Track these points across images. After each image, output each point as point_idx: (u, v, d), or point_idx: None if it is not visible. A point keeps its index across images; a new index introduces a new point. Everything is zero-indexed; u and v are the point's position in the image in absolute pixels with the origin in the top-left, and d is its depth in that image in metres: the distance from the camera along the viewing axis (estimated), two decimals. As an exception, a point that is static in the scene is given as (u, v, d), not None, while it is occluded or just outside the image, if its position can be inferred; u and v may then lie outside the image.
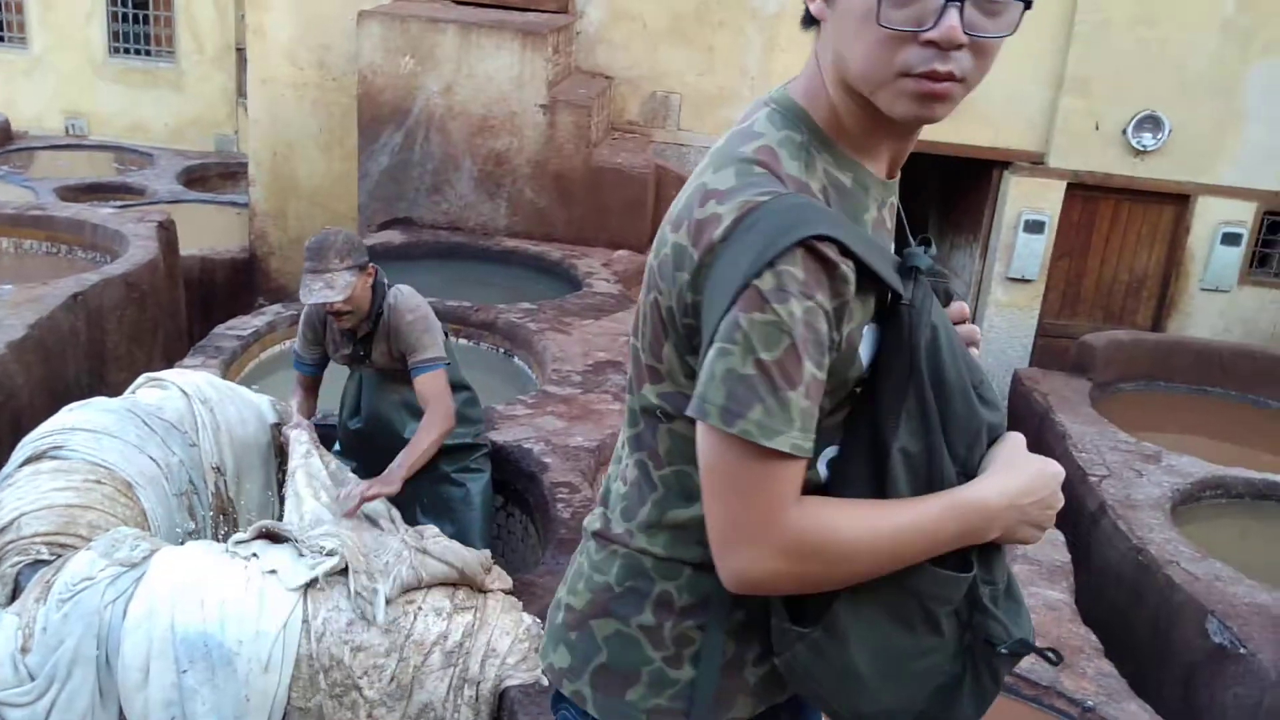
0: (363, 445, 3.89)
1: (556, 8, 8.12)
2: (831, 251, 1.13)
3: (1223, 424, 6.60)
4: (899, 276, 1.21)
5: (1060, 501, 1.28)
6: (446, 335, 3.74)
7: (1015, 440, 1.29)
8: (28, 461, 3.39)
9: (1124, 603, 4.75)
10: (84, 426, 3.57)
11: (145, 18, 12.55)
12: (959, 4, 1.10)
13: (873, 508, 1.20)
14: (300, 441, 3.61)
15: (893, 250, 1.29)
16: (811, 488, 1.22)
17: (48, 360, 5.31)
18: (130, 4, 12.49)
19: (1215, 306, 8.48)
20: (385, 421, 3.81)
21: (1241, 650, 4.04)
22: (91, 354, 5.76)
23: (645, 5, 8.11)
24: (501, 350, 5.85)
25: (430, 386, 3.50)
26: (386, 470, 3.41)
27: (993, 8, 1.13)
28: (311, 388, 3.84)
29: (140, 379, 4.08)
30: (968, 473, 1.25)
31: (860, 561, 1.18)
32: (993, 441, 1.29)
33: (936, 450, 1.22)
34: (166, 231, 6.69)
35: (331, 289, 3.34)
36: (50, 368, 5.34)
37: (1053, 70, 8.08)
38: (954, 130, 8.13)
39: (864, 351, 1.22)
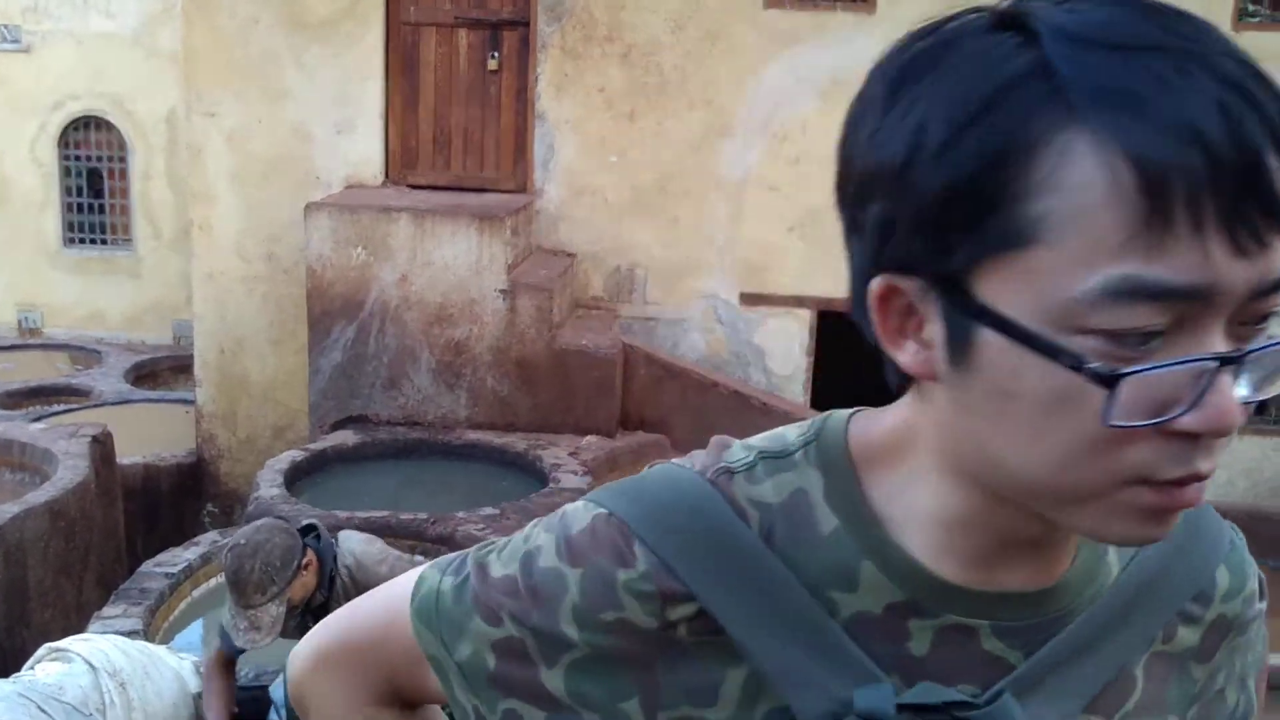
0: None
1: (515, 187, 7.90)
2: (626, 538, 0.70)
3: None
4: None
5: None
6: None
7: None
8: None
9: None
10: (-36, 722, 3.09)
11: (101, 206, 12.32)
12: (1234, 364, 0.61)
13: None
14: None
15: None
16: None
17: (-43, 608, 4.79)
18: (85, 194, 12.28)
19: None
20: None
21: None
22: (11, 594, 5.22)
23: (606, 179, 7.90)
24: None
25: None
26: None
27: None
28: (232, 666, 3.33)
29: (41, 650, 3.58)
30: None
31: None
32: None
33: None
34: (101, 446, 6.22)
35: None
36: (-40, 616, 4.82)
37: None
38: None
39: None
